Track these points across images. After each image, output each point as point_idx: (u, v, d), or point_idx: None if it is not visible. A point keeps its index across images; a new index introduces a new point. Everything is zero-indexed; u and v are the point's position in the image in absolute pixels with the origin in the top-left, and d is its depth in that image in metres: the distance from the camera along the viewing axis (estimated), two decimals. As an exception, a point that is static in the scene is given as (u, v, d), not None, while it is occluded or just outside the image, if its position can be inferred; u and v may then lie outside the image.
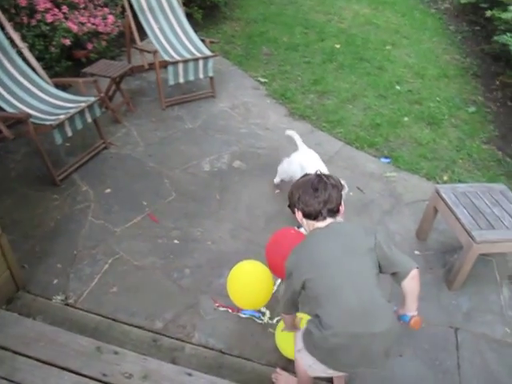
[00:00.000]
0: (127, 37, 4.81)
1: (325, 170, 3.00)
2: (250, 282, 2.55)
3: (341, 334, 1.81)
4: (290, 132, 3.58)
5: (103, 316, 2.65)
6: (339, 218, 2.00)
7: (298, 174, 3.20)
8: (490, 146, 4.50)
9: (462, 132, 4.64)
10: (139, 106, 4.60)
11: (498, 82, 5.54)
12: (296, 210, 1.98)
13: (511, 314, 2.90)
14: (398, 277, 1.95)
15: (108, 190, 3.55)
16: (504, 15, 4.93)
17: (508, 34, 4.64)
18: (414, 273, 1.93)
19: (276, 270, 2.57)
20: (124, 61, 5.05)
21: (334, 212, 1.94)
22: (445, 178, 3.99)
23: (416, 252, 3.27)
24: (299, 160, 3.32)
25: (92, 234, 3.19)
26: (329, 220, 1.93)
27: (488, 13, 5.32)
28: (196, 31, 5.74)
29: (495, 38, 4.97)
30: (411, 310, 2.02)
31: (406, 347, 2.64)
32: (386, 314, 1.89)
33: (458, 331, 2.77)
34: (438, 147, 4.37)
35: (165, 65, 4.41)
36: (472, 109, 5.04)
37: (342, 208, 1.98)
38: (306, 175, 2.05)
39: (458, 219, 2.90)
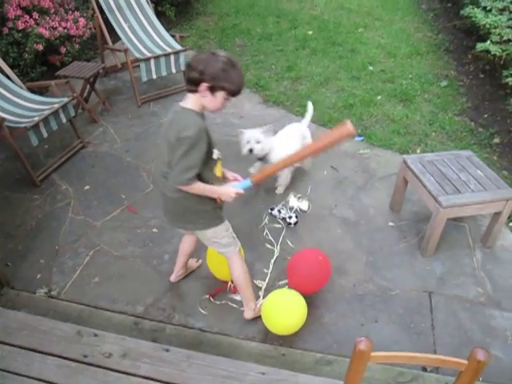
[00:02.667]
0: (99, 38, 4.88)
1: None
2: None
3: None
4: (310, 105, 3.77)
5: (86, 305, 2.74)
6: None
7: (297, 145, 3.46)
8: (462, 118, 4.59)
9: (434, 106, 4.73)
10: (115, 104, 4.67)
11: (469, 56, 5.61)
12: (212, 86, 1.97)
13: (483, 275, 2.98)
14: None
15: (87, 187, 3.63)
16: (468, -12, 5.03)
17: (470, 6, 4.72)
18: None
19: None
20: (98, 62, 5.12)
21: None
22: (418, 150, 4.07)
23: (390, 223, 3.36)
24: (302, 131, 3.64)
25: (73, 229, 3.27)
26: None
27: (453, -12, 5.41)
28: (170, 28, 5.86)
29: (461, 12, 5.05)
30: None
31: (380, 313, 2.73)
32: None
33: (432, 295, 2.86)
34: (411, 122, 4.46)
35: (137, 63, 4.48)
36: (444, 83, 5.12)
37: None
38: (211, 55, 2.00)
39: (425, 187, 2.98)
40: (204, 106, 2.05)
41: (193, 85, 1.99)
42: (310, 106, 3.75)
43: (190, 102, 2.04)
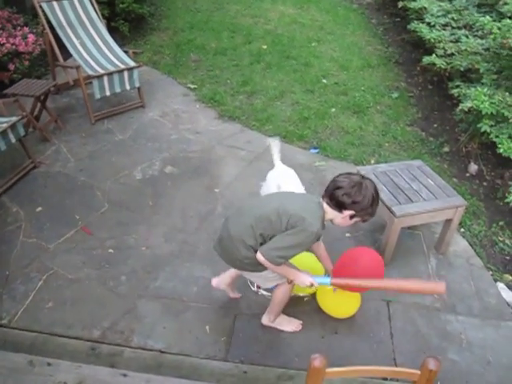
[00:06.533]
0: (49, 55, 4.78)
1: (302, 189, 3.01)
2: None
3: None
4: (272, 142, 3.25)
5: (39, 332, 2.63)
6: None
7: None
8: (413, 128, 4.74)
9: (386, 117, 4.86)
10: (68, 122, 4.57)
11: (418, 68, 5.81)
12: (355, 214, 2.15)
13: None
14: None
15: (39, 209, 3.51)
16: (413, 4, 5.22)
17: (415, 22, 4.91)
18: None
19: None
20: (50, 79, 5.00)
21: None
22: (372, 161, 4.17)
23: (347, 234, 3.41)
24: (276, 180, 3.02)
25: (24, 253, 3.15)
26: None
27: (400, 4, 5.60)
28: (124, 44, 5.80)
29: (408, 26, 5.23)
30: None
31: (340, 324, 2.76)
32: None
33: (390, 303, 2.91)
34: (365, 133, 4.56)
35: (90, 80, 4.40)
36: (395, 94, 5.28)
37: None
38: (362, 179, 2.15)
39: (379, 197, 3.05)
40: (332, 220, 2.23)
41: (337, 206, 2.15)
42: (272, 143, 3.23)
43: (327, 209, 2.19)
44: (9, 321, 2.70)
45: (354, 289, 2.50)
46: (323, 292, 2.73)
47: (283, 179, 3.02)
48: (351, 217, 2.16)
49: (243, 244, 2.21)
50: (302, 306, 2.84)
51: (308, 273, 2.34)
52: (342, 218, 2.18)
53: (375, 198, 2.12)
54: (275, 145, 3.22)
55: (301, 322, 2.74)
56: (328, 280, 2.30)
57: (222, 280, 2.78)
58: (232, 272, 2.69)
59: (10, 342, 2.53)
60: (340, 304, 2.75)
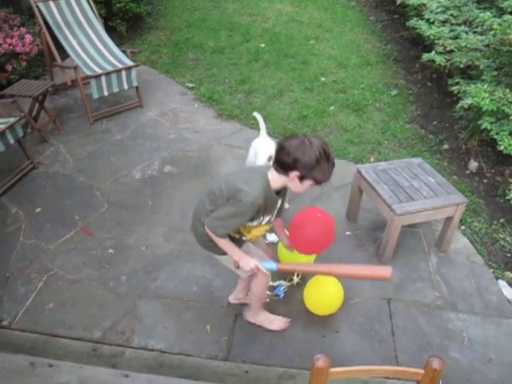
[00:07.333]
0: (47, 55, 4.76)
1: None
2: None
3: None
4: (257, 115, 3.58)
5: (40, 333, 2.62)
6: None
7: (251, 159, 3.33)
8: (413, 125, 4.72)
9: (386, 115, 4.85)
10: (66, 123, 4.55)
11: (417, 65, 5.80)
12: (302, 175, 1.99)
13: (439, 279, 3.06)
14: None
15: (38, 209, 3.50)
16: (411, 1, 5.20)
17: (415, 19, 4.89)
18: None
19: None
20: (47, 79, 4.98)
21: None
22: (371, 159, 4.16)
23: (347, 233, 3.40)
24: (255, 145, 3.36)
25: (24, 254, 3.14)
26: None
27: (398, 0, 5.58)
28: (121, 44, 5.78)
29: (407, 23, 5.22)
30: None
31: (341, 323, 2.76)
32: None
33: (391, 301, 2.91)
34: (364, 131, 4.55)
35: (88, 79, 4.39)
36: (394, 92, 5.27)
37: None
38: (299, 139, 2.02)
39: (379, 195, 3.04)
40: (286, 186, 2.11)
41: (283, 168, 2.02)
42: (257, 116, 3.57)
43: (274, 177, 2.08)
44: (9, 322, 2.69)
45: (300, 271, 2.49)
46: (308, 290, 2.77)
47: (261, 146, 3.26)
48: (301, 179, 2.01)
49: (199, 222, 2.23)
50: (302, 304, 2.83)
51: (256, 258, 2.24)
52: (291, 182, 2.05)
53: (322, 155, 1.95)
54: (260, 118, 3.49)
55: (288, 319, 2.73)
56: (274, 265, 2.23)
57: (236, 295, 2.80)
58: (241, 283, 2.71)
59: (11, 343, 2.53)
60: (323, 302, 2.76)
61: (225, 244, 2.18)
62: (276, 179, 2.08)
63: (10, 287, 2.91)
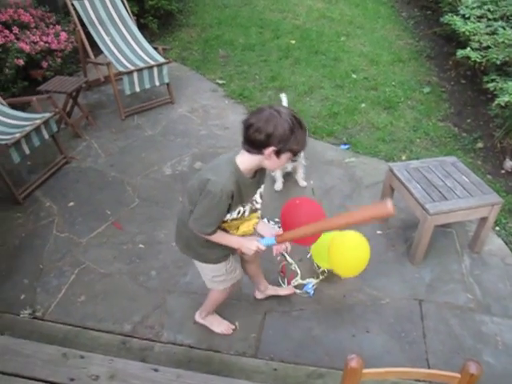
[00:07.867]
0: (81, 52, 4.85)
1: None
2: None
3: None
4: (283, 97, 3.80)
5: (72, 325, 2.67)
6: None
7: None
8: (446, 123, 4.62)
9: (418, 112, 4.76)
10: (99, 118, 4.63)
11: (451, 62, 5.66)
12: (278, 149, 1.83)
13: (472, 281, 2.99)
14: None
15: (71, 204, 3.57)
16: (446, -4, 5.08)
17: (450, 14, 4.77)
18: None
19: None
20: (81, 76, 5.07)
21: None
22: (403, 157, 4.09)
23: (378, 232, 3.35)
24: None
25: (57, 247, 3.21)
26: None
27: (432, -5, 5.47)
28: (153, 41, 5.84)
29: (441, 19, 5.10)
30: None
31: (371, 323, 2.72)
32: None
33: (422, 302, 2.85)
34: (396, 129, 4.48)
35: (120, 76, 4.45)
36: (427, 89, 5.16)
37: None
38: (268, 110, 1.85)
39: (411, 194, 2.99)
40: (262, 166, 1.95)
41: (255, 147, 1.84)
42: (283, 98, 3.73)
43: (244, 159, 1.91)
44: (43, 313, 2.76)
45: (305, 240, 2.30)
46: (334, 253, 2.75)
47: None
48: (277, 154, 1.84)
49: (185, 226, 2.11)
50: (332, 304, 2.81)
51: (252, 238, 2.16)
52: (267, 160, 1.87)
53: (294, 123, 1.80)
54: (285, 101, 3.80)
55: (233, 326, 2.69)
56: (273, 239, 2.12)
57: (258, 288, 2.82)
58: (253, 277, 2.72)
59: (44, 334, 2.59)
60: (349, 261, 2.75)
61: (220, 238, 2.08)
62: (247, 161, 1.91)
63: (44, 279, 2.98)
